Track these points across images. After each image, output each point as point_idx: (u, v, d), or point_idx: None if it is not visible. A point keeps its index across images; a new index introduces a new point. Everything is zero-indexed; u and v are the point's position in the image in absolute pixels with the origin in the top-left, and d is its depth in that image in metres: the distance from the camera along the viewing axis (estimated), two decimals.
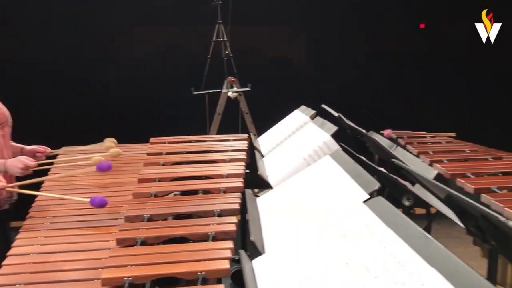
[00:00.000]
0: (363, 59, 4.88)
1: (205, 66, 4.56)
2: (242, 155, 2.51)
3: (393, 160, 1.82)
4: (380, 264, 1.03)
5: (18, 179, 2.30)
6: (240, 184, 2.01)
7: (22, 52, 4.60)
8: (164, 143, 2.81)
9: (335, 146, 2.04)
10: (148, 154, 2.57)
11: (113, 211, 1.84)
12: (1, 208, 2.28)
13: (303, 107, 2.90)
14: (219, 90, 4.56)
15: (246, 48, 4.98)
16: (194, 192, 2.03)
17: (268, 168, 2.34)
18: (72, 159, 2.48)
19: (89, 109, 4.74)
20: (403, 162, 1.85)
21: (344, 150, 1.91)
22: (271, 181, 2.16)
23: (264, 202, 1.85)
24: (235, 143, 2.79)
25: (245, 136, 2.92)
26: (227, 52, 4.59)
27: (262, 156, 2.60)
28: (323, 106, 2.71)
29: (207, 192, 2.05)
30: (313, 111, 2.67)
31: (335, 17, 4.85)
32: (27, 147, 2.61)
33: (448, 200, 1.53)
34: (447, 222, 1.94)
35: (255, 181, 2.29)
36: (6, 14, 4.56)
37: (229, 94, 4.53)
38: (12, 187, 2.16)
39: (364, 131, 2.13)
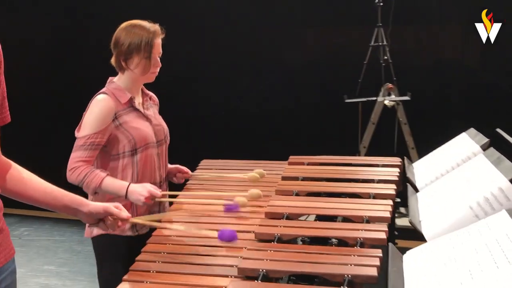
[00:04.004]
0: None
1: (360, 72, 4.20)
2: (391, 189, 2.10)
3: None
4: None
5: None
6: (383, 236, 1.62)
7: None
8: (303, 164, 2.54)
9: None
10: (283, 179, 2.31)
11: (235, 252, 1.59)
12: (123, 234, 2.01)
13: (472, 130, 2.34)
14: (375, 98, 4.18)
15: (407, 52, 4.46)
16: (324, 240, 1.68)
17: (423, 209, 1.90)
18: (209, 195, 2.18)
19: (230, 121, 4.59)
20: None
21: None
22: (424, 230, 1.72)
23: (413, 261, 1.44)
24: (385, 170, 2.40)
25: (398, 161, 2.51)
26: (386, 57, 4.18)
27: (416, 190, 2.15)
28: (498, 130, 2.15)
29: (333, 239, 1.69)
30: (486, 139, 2.13)
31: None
32: (170, 165, 2.22)
33: None
34: None
35: None
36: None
37: (386, 102, 4.11)
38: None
39: None
